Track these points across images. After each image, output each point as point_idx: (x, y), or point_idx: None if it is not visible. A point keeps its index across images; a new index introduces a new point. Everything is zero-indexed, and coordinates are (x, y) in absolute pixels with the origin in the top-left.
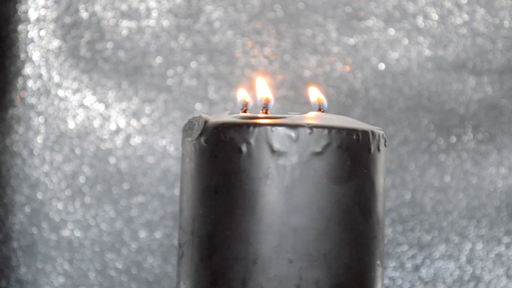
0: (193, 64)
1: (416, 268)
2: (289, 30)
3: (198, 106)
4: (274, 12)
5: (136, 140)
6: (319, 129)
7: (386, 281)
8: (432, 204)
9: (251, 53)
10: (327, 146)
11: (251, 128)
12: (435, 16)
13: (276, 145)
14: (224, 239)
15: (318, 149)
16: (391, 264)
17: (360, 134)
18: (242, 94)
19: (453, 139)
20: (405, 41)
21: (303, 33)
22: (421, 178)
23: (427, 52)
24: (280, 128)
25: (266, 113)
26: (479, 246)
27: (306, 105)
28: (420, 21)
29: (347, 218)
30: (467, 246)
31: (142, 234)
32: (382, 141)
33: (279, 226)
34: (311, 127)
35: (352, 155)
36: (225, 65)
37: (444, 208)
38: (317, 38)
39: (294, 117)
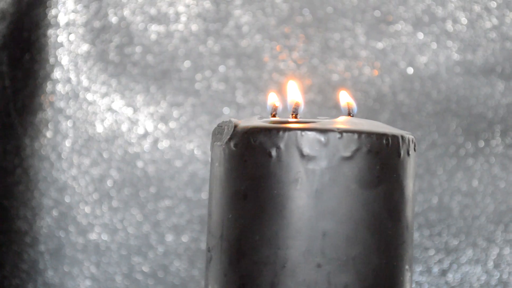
0: (221, 68)
1: (443, 272)
2: (317, 34)
3: (226, 110)
4: (302, 16)
5: (164, 144)
6: (349, 134)
7: (413, 285)
8: (459, 209)
9: (279, 57)
10: (356, 150)
11: (281, 133)
12: (464, 20)
13: (306, 150)
14: (252, 243)
15: (348, 154)
16: (418, 268)
17: (390, 138)
18: (272, 98)
19: (481, 144)
20: (434, 45)
21: (331, 37)
22: (449, 182)
23: (456, 57)
24: (310, 133)
25: (296, 117)
26: (507, 250)
27: (334, 110)
28: (449, 25)
29: (376, 223)
30: (495, 251)
31: (169, 238)
32: (411, 145)
33: (308, 230)
34: (341, 131)
35: (381, 160)
36: (253, 69)
37: (472, 212)
38: (346, 42)
39: (323, 122)
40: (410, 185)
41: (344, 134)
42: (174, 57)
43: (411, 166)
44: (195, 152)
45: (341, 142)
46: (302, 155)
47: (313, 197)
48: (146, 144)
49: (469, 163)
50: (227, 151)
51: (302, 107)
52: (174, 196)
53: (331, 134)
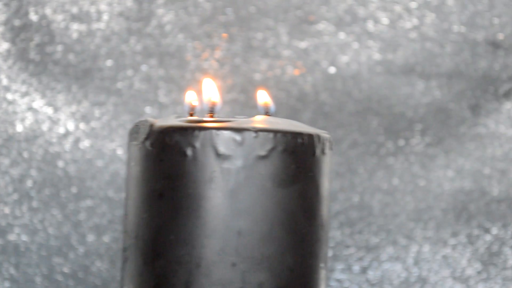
0: (144, 67)
1: (364, 270)
2: (240, 33)
3: (148, 109)
4: (225, 15)
5: (85, 143)
6: (264, 133)
7: (334, 283)
8: (380, 207)
9: (202, 57)
10: (272, 149)
11: (196, 132)
12: (385, 21)
13: (221, 149)
14: (168, 243)
15: (263, 153)
16: (339, 266)
17: (305, 137)
18: (189, 97)
19: (402, 142)
20: (355, 45)
21: (254, 36)
22: (370, 181)
23: (377, 56)
24: (225, 132)
25: (212, 116)
26: (426, 248)
27: (255, 109)
28: (370, 25)
29: (291, 222)
30: (414, 248)
31: (90, 238)
32: (327, 144)
33: (223, 229)
34: (257, 130)
35: (297, 159)
36: (175, 69)
37: (392, 210)
38: (268, 42)
39: (240, 121)
40: (326, 183)
41: (260, 133)
42: (96, 56)
43: (327, 165)
44: (117, 151)
45: (257, 141)
46: (218, 154)
47: (229, 196)
48: (67, 144)
49: (389, 162)
50: (143, 151)
51: (219, 106)
52: (95, 196)
53: (246, 133)
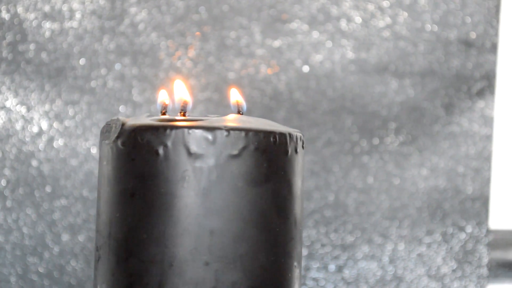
0: (117, 66)
1: (339, 269)
2: (213, 32)
3: (122, 108)
4: (198, 14)
5: (59, 142)
6: (236, 132)
7: (310, 282)
8: (355, 205)
9: (176, 55)
10: (244, 148)
11: (168, 131)
12: (358, 19)
13: (193, 148)
14: (140, 242)
15: (235, 152)
16: (315, 265)
17: (277, 136)
18: (161, 96)
19: (376, 141)
20: (329, 44)
21: (227, 35)
22: (345, 179)
23: (350, 55)
24: (197, 131)
25: (184, 115)
26: (401, 246)
27: (229, 108)
28: (343, 24)
29: (264, 220)
30: (390, 247)
31: (65, 237)
32: (300, 143)
33: (196, 228)
34: (228, 129)
35: (269, 158)
36: (149, 67)
37: (367, 209)
38: (242, 41)
39: (212, 120)
40: (298, 182)
41: (231, 132)
42: (69, 55)
43: (299, 163)
44: (91, 150)
45: (228, 140)
46: (190, 153)
47: (201, 195)
48: (41, 143)
49: (364, 160)
50: (114, 150)
51: (190, 105)
52: (70, 195)
53: (218, 132)
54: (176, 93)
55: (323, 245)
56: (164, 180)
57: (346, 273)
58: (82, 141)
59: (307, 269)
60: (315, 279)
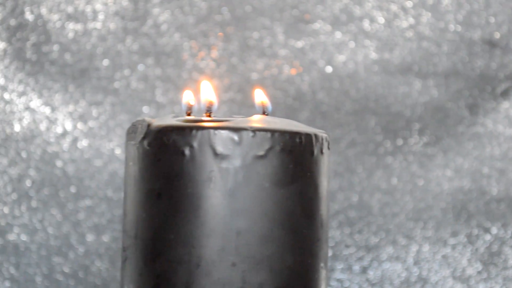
0: (140, 67)
1: (364, 270)
2: (236, 33)
3: (146, 109)
4: (221, 14)
5: (83, 143)
6: (262, 132)
7: (334, 283)
8: (379, 206)
9: (199, 56)
10: (270, 149)
11: (194, 132)
12: (381, 20)
13: (219, 149)
14: (167, 242)
15: (261, 152)
16: (339, 266)
17: (303, 137)
18: (186, 97)
19: (400, 142)
20: (352, 44)
21: (250, 36)
22: (368, 180)
23: (374, 55)
24: (223, 131)
25: (209, 116)
26: (426, 247)
27: (253, 108)
28: (366, 24)
29: (290, 221)
30: (414, 248)
31: (90, 237)
32: (325, 144)
33: (222, 229)
34: (254, 130)
35: (295, 158)
36: (172, 68)
37: (391, 210)
38: (265, 41)
39: (237, 120)
40: (324, 183)
41: (257, 132)
42: (92, 56)
43: (325, 164)
44: (115, 151)
45: (254, 140)
46: (216, 154)
47: (227, 196)
48: (65, 144)
49: (388, 161)
50: (141, 150)
51: (216, 106)
52: (94, 195)
53: (244, 133)
54: (202, 93)
55: (347, 246)
56: (190, 180)
57: (371, 274)
58: (106, 142)
59: (331, 270)
60: (339, 280)
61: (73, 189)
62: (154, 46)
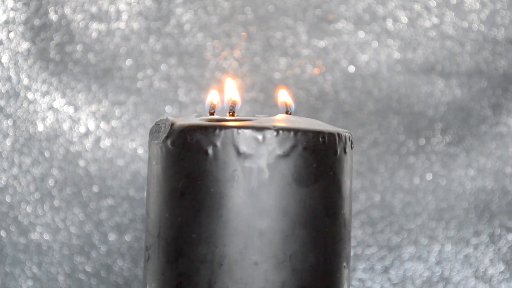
0: (163, 67)
1: (386, 269)
2: (259, 32)
3: (168, 108)
4: (244, 14)
5: (106, 142)
6: (285, 132)
7: (356, 282)
8: (401, 206)
9: (221, 56)
10: (293, 148)
11: (217, 131)
12: (404, 19)
13: (242, 148)
14: (190, 241)
15: (284, 152)
16: (361, 266)
17: (326, 136)
18: (210, 96)
19: (422, 141)
20: (375, 44)
21: (273, 35)
22: (391, 180)
23: (397, 55)
24: (246, 131)
25: (233, 115)
26: (448, 247)
27: (275, 108)
28: (389, 24)
29: (313, 220)
30: (436, 248)
31: (112, 237)
32: (348, 143)
33: (245, 228)
34: (277, 129)
35: (318, 158)
36: (195, 68)
37: (413, 210)
38: (287, 41)
39: (260, 120)
40: (347, 182)
41: (280, 132)
42: (116, 56)
43: (348, 163)
44: (138, 151)
45: (277, 139)
46: (239, 153)
47: (250, 195)
48: (88, 143)
49: (410, 161)
50: (164, 149)
51: (239, 105)
52: (116, 195)
53: (267, 132)
54: (226, 92)
55: (369, 246)
56: (214, 180)
57: (392, 274)
58: (129, 141)
59: (353, 269)
60: (361, 280)
61: (95, 189)
62: (177, 46)
